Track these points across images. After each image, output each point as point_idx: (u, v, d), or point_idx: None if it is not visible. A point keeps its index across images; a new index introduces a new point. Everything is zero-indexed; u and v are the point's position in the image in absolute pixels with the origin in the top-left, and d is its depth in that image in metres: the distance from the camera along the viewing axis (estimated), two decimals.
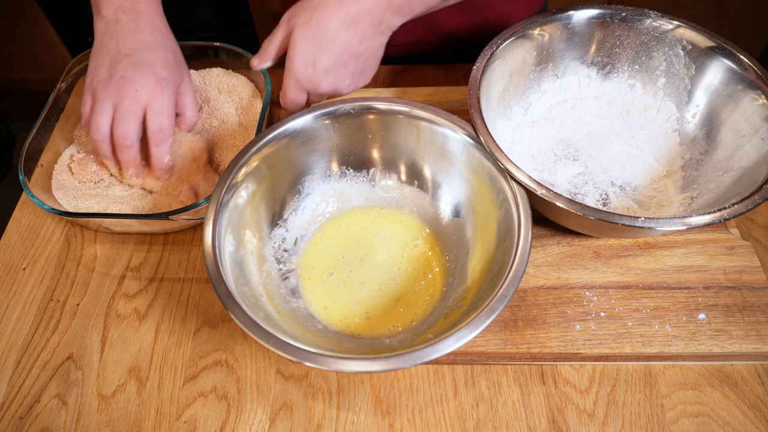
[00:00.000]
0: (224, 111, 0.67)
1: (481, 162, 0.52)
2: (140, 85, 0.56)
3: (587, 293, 0.53)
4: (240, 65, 0.70)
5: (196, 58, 0.70)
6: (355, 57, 0.55)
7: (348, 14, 0.52)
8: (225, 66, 0.71)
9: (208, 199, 0.51)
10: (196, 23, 1.61)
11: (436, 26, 0.78)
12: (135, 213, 0.58)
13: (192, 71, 0.70)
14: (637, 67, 0.62)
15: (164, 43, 0.59)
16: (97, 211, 0.58)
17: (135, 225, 0.57)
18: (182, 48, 0.63)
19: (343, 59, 0.54)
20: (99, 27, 0.58)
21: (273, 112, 0.70)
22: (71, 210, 0.58)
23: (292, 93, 0.55)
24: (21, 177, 0.57)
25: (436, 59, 0.80)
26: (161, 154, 0.58)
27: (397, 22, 0.55)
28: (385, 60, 0.78)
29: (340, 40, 0.53)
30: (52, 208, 0.55)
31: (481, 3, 0.75)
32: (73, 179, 0.61)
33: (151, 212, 0.59)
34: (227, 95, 0.68)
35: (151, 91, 0.56)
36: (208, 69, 0.71)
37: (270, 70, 0.61)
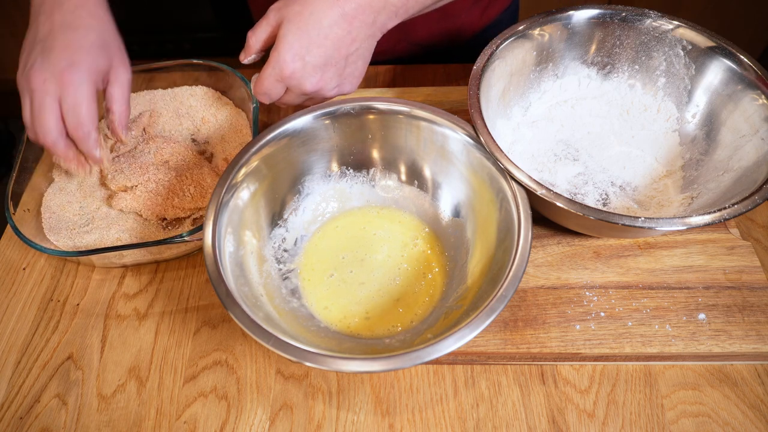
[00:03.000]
0: (212, 119, 0.68)
1: (481, 162, 0.51)
2: (48, 74, 0.50)
3: (587, 293, 0.53)
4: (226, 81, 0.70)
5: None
6: (345, 57, 0.52)
7: (343, 11, 0.50)
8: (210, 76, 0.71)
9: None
10: (196, 23, 1.61)
11: (408, 36, 0.78)
12: (135, 239, 0.58)
13: (177, 89, 0.70)
14: (637, 67, 0.62)
15: (87, 22, 0.52)
16: (97, 246, 0.57)
17: (138, 255, 0.56)
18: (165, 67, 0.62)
19: (335, 58, 0.52)
20: (31, 10, 0.54)
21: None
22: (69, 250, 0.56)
23: (269, 83, 0.52)
24: (12, 223, 0.54)
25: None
26: (89, 151, 0.53)
27: (391, 23, 0.53)
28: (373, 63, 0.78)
29: (333, 36, 0.50)
30: (64, 251, 0.54)
31: (452, 10, 0.75)
32: (64, 217, 0.60)
33: (147, 235, 0.58)
34: (216, 108, 0.69)
35: (59, 81, 0.50)
36: (194, 87, 0.71)
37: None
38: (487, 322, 0.40)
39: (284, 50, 0.50)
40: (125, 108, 0.56)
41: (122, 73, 0.55)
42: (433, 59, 0.80)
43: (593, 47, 0.62)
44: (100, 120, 0.56)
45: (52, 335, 0.54)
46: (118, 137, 0.57)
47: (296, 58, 0.50)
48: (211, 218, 0.47)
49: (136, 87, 0.71)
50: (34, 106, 0.51)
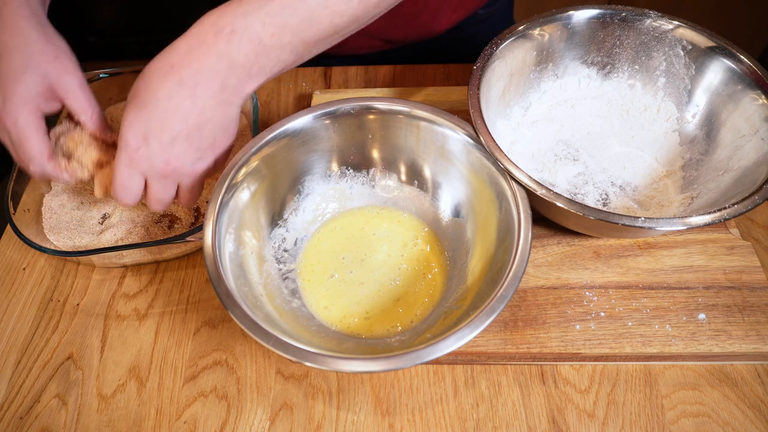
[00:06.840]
0: None
1: (481, 162, 0.52)
2: None
3: (587, 293, 0.53)
4: None
5: None
6: (197, 129, 0.46)
7: (180, 79, 0.44)
8: None
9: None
10: None
11: (381, 37, 0.78)
12: (135, 239, 0.58)
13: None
14: (637, 67, 0.62)
15: (8, 44, 0.48)
16: (97, 246, 0.57)
17: (138, 255, 0.56)
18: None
19: (184, 131, 0.45)
20: None
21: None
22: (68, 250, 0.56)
23: (121, 173, 0.46)
24: (12, 223, 0.54)
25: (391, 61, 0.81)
26: (55, 178, 0.51)
27: (248, 85, 0.46)
28: (356, 61, 0.78)
29: (173, 107, 0.44)
30: (64, 251, 0.54)
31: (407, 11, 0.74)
32: (64, 217, 0.60)
33: (147, 235, 0.58)
34: None
35: (2, 123, 0.48)
36: None
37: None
38: (487, 322, 0.40)
39: (125, 131, 0.45)
40: (93, 112, 0.51)
41: (69, 82, 0.49)
42: (407, 55, 0.81)
43: (593, 47, 0.62)
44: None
45: (52, 335, 0.54)
46: (105, 140, 0.53)
47: (138, 136, 0.45)
48: (211, 218, 0.47)
49: None
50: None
